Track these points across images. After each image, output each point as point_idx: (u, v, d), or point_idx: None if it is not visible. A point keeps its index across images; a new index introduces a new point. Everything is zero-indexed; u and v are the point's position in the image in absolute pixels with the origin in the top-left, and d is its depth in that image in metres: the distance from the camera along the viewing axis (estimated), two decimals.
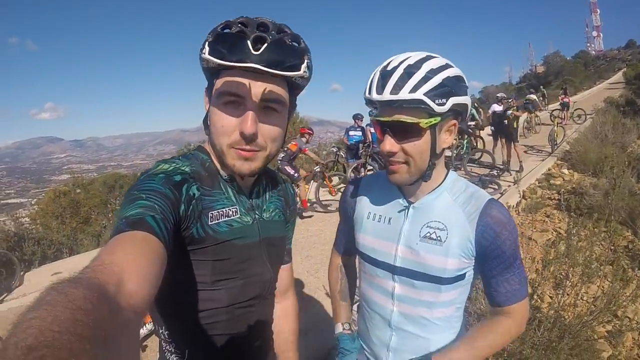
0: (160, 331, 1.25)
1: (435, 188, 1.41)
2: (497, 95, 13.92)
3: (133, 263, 0.74)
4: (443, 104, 1.20)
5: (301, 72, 1.08)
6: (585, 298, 3.70)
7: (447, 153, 12.21)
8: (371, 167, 11.38)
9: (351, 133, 12.14)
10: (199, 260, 1.14)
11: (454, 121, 1.30)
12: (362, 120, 12.25)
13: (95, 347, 0.46)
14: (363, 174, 11.38)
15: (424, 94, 1.17)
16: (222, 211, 1.17)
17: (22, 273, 7.41)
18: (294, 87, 1.17)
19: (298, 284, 5.58)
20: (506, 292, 1.35)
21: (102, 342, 0.48)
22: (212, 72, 1.09)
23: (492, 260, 1.32)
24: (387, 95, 1.20)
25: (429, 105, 1.18)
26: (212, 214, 1.14)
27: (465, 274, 1.37)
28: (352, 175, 11.09)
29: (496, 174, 11.69)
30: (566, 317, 3.15)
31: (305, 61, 1.10)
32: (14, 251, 8.09)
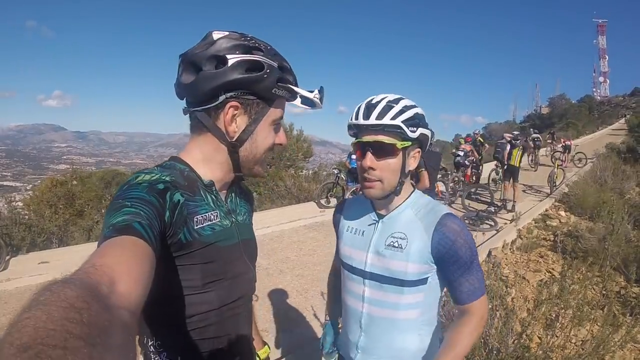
0: (150, 343, 1.25)
1: (400, 204, 1.66)
2: (513, 134, 14.02)
3: (124, 265, 0.75)
4: (414, 132, 1.52)
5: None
6: (574, 341, 3.68)
7: (442, 188, 12.30)
8: None
9: (353, 157, 12.16)
10: (188, 265, 1.17)
11: (419, 149, 1.62)
12: None
13: (90, 345, 0.46)
14: None
15: (401, 122, 1.48)
16: (205, 215, 1.22)
17: (7, 257, 7.37)
18: None
19: (286, 303, 5.59)
20: (467, 291, 1.56)
21: (97, 339, 0.48)
22: (273, 98, 1.25)
23: (452, 265, 1.54)
24: (372, 120, 1.49)
25: (404, 131, 1.49)
26: (197, 218, 1.19)
27: (426, 278, 1.59)
28: (350, 197, 11.11)
29: (494, 210, 11.71)
30: (554, 358, 3.13)
31: None
32: (3, 235, 8.05)
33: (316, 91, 1.30)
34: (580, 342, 3.56)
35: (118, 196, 1.02)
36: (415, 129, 1.52)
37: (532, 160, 20.92)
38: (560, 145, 20.92)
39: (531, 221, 10.35)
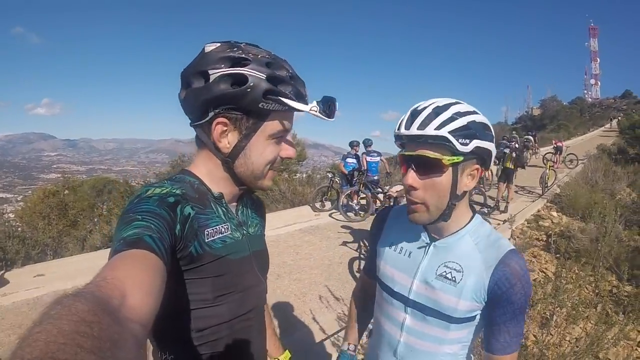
0: (164, 356, 1.25)
1: (458, 230, 1.43)
2: (511, 136, 14.31)
3: (135, 278, 0.75)
4: (466, 144, 1.25)
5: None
6: (568, 339, 3.73)
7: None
8: (364, 195, 11.43)
9: (348, 160, 12.13)
10: (198, 279, 1.16)
11: (477, 166, 1.34)
12: (358, 148, 12.29)
13: (100, 359, 0.47)
14: (356, 201, 11.46)
15: (448, 132, 1.23)
16: (216, 228, 1.21)
17: (3, 272, 7.30)
18: None
19: (285, 307, 5.57)
20: (504, 342, 1.36)
21: (107, 353, 0.48)
22: (266, 113, 1.16)
23: (500, 309, 1.34)
24: (414, 131, 1.25)
25: (452, 143, 1.23)
26: (208, 231, 1.18)
27: (475, 316, 1.39)
28: (345, 201, 11.16)
29: (486, 211, 11.78)
30: (549, 356, 3.18)
31: None
32: None
33: (314, 103, 1.18)
34: (575, 339, 3.61)
35: (128, 210, 1.01)
36: (467, 140, 1.25)
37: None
38: (552, 146, 21.09)
39: (524, 222, 10.44)
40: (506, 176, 12.28)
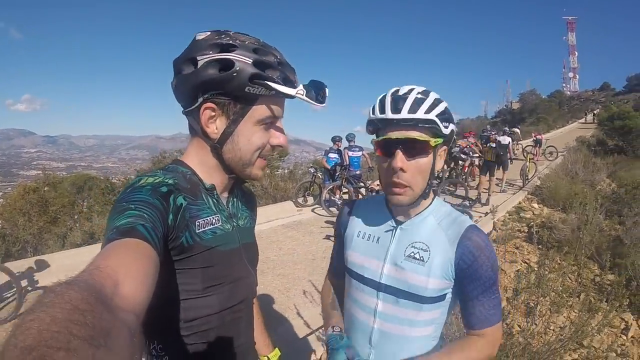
0: (152, 347, 1.24)
1: (422, 211, 1.50)
2: (505, 129, 14.75)
3: (128, 267, 0.75)
4: (447, 127, 1.35)
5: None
6: (552, 327, 3.77)
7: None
8: (346, 190, 11.46)
9: (330, 155, 12.17)
10: (188, 269, 1.16)
11: (445, 147, 1.45)
12: (340, 143, 12.32)
13: (93, 347, 0.47)
14: (338, 196, 11.49)
15: (436, 116, 1.31)
16: (207, 219, 1.21)
17: None
18: None
19: (269, 303, 5.57)
20: (481, 315, 1.40)
21: (100, 341, 0.49)
22: (253, 97, 1.15)
23: (470, 284, 1.39)
24: (404, 114, 1.30)
25: (438, 126, 1.31)
26: (199, 222, 1.18)
27: (445, 295, 1.43)
28: (327, 196, 11.16)
29: (468, 204, 11.87)
30: (535, 345, 3.21)
31: None
32: None
33: (300, 87, 1.16)
34: (560, 328, 3.65)
35: (121, 199, 1.01)
36: (447, 124, 1.35)
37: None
38: (532, 139, 21.34)
39: (505, 214, 10.52)
40: (487, 169, 12.49)
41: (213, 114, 1.17)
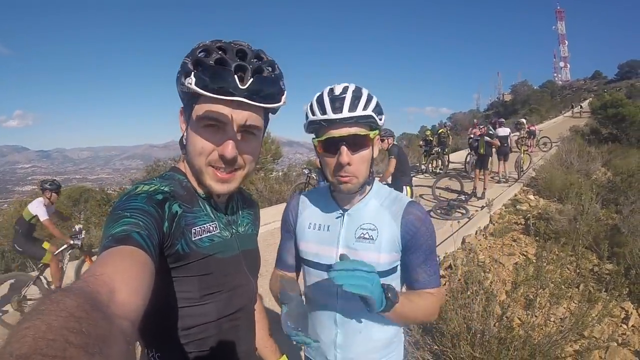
0: (150, 354, 1.23)
1: (364, 196, 1.63)
2: (501, 120, 15.36)
3: (123, 274, 0.75)
4: (381, 119, 1.49)
5: (281, 103, 1.17)
6: (552, 319, 3.76)
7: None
8: None
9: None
10: (185, 277, 1.15)
11: (379, 135, 1.56)
12: None
13: (89, 354, 0.46)
14: None
15: (372, 111, 1.44)
16: (204, 227, 1.20)
17: None
18: (269, 111, 1.24)
19: (267, 306, 5.40)
20: (424, 280, 1.56)
21: (96, 349, 0.48)
22: (192, 97, 1.11)
23: (413, 253, 1.55)
24: (345, 113, 1.40)
25: (375, 120, 1.46)
26: (195, 229, 1.17)
27: (396, 267, 1.59)
28: (302, 192, 11.11)
29: (464, 198, 11.88)
30: (535, 337, 3.20)
31: (284, 91, 1.17)
32: None
33: (192, 75, 1.05)
34: (560, 319, 3.64)
35: (117, 207, 1.01)
36: (381, 116, 1.48)
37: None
38: (525, 130, 21.40)
39: (501, 206, 10.51)
40: (481, 163, 12.52)
41: (182, 118, 1.21)
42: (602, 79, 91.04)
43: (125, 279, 0.73)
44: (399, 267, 1.60)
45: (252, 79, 1.06)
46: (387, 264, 1.54)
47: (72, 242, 6.78)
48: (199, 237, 1.18)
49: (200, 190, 1.25)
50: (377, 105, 1.47)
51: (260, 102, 1.08)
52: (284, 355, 1.74)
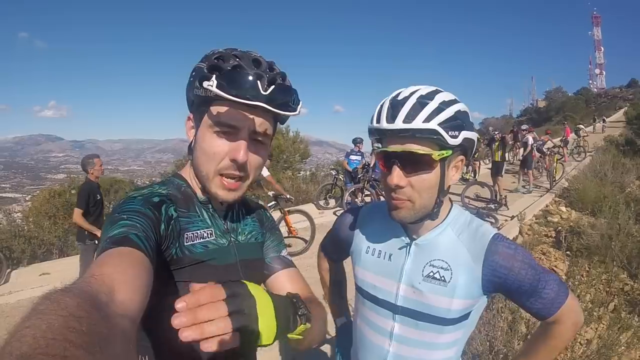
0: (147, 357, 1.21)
1: (439, 224, 1.35)
2: (524, 126, 15.22)
3: (122, 274, 0.76)
4: (456, 137, 1.17)
5: (297, 112, 1.13)
6: (579, 340, 3.65)
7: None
8: (369, 192, 11.40)
9: (352, 158, 12.14)
10: (179, 281, 1.13)
11: (462, 157, 1.28)
12: (362, 145, 12.30)
13: (89, 354, 0.47)
14: (360, 198, 11.41)
15: (438, 124, 1.14)
16: (197, 233, 1.19)
17: (8, 270, 7.38)
18: (278, 121, 1.23)
19: None
20: (544, 307, 1.29)
21: (96, 348, 0.49)
22: (207, 101, 1.10)
23: (514, 293, 1.28)
24: (399, 124, 1.15)
25: (442, 137, 1.15)
26: (187, 235, 1.17)
27: (469, 313, 1.32)
28: (349, 199, 11.11)
29: (494, 207, 11.70)
30: (559, 359, 3.10)
31: (300, 102, 1.13)
32: (3, 248, 8.06)
33: (213, 77, 1.01)
34: (586, 341, 3.53)
35: (115, 210, 1.03)
36: (457, 132, 1.17)
37: (514, 156, 21.57)
38: (560, 139, 21.03)
39: (532, 217, 10.34)
40: (496, 169, 12.67)
41: (191, 124, 1.20)
42: (638, 87, 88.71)
43: (124, 279, 0.74)
44: (472, 314, 1.34)
45: (273, 87, 1.04)
46: (460, 310, 1.28)
47: (287, 196, 8.46)
48: (191, 242, 1.17)
49: (200, 196, 1.25)
50: (454, 117, 1.18)
51: (280, 109, 1.06)
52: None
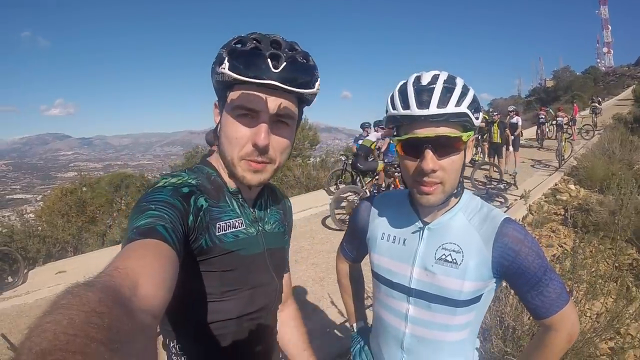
0: (172, 344, 1.25)
1: (451, 208, 1.39)
2: (510, 108, 15.19)
3: (147, 268, 0.74)
4: (478, 118, 1.24)
5: (315, 89, 1.14)
6: (588, 314, 3.69)
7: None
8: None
9: (360, 142, 12.08)
10: (207, 272, 1.15)
11: (476, 136, 1.30)
12: (369, 129, 12.20)
13: (110, 350, 0.45)
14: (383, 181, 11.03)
15: (467, 107, 1.19)
16: (229, 222, 1.20)
17: (25, 271, 7.46)
18: (304, 102, 1.21)
19: (303, 292, 5.60)
20: (543, 305, 1.30)
21: (118, 345, 0.47)
22: (226, 86, 1.11)
23: (519, 278, 1.30)
24: (433, 109, 1.17)
25: (470, 119, 1.21)
26: (220, 224, 1.17)
27: (480, 296, 1.35)
28: (379, 194, 10.78)
29: (503, 187, 11.68)
30: None
31: (318, 78, 1.15)
32: (19, 249, 8.13)
33: (226, 60, 1.06)
34: (595, 315, 3.57)
35: (143, 199, 1.01)
36: (478, 114, 1.24)
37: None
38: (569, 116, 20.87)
39: (541, 196, 10.32)
40: (495, 151, 12.86)
41: (217, 110, 1.20)
42: None
43: (148, 273, 0.73)
44: (484, 296, 1.36)
45: (285, 64, 1.05)
46: (471, 292, 1.32)
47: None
48: (223, 232, 1.17)
49: (230, 185, 1.25)
50: (474, 100, 1.23)
51: (294, 87, 1.07)
52: None
